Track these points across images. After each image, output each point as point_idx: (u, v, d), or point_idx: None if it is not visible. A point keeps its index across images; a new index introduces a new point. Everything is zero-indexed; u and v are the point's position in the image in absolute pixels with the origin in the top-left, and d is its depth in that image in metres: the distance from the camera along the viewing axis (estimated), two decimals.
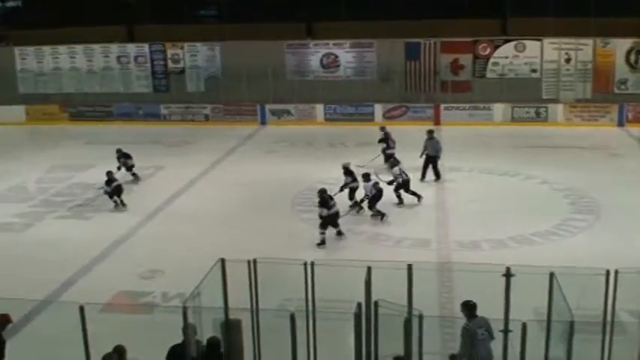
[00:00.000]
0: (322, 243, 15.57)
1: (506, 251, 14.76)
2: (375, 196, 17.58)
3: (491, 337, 8.74)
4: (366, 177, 17.86)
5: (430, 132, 21.84)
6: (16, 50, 34.88)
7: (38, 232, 17.25)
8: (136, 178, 21.77)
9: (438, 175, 20.96)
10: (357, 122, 30.81)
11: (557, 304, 7.92)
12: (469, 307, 9.03)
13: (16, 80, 34.66)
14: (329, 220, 15.75)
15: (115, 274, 14.17)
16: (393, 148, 22.42)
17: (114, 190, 18.96)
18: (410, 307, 7.88)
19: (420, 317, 7.74)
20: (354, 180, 18.18)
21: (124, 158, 21.75)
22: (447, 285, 13.11)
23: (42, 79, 34.62)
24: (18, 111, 33.31)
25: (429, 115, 30.40)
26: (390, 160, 20.63)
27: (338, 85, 31.94)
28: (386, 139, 22.85)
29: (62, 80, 34.44)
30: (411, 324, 7.81)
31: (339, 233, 16.19)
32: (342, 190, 18.10)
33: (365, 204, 17.79)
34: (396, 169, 19.02)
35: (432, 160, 20.98)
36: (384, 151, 22.51)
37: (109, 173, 19.33)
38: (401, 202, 18.69)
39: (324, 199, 15.75)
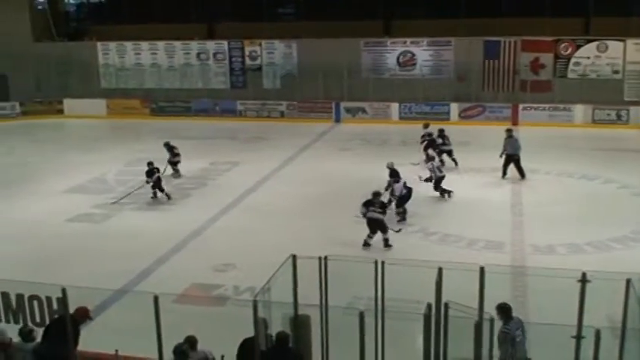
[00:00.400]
0: (365, 244, 15.14)
1: (582, 256, 14.37)
2: (405, 196, 17.41)
3: (525, 337, 8.69)
4: (396, 174, 17.94)
5: (509, 131, 21.83)
6: (99, 45, 35.90)
7: (116, 224, 17.70)
8: (176, 173, 22.06)
9: (521, 173, 20.79)
10: (432, 121, 30.43)
11: (633, 311, 7.69)
12: (505, 310, 8.87)
13: (98, 75, 35.67)
14: (371, 222, 15.27)
15: (189, 266, 14.44)
16: (449, 145, 22.75)
17: (155, 181, 19.34)
18: (481, 311, 7.76)
19: (491, 321, 7.63)
20: (398, 180, 17.82)
21: (170, 151, 22.29)
22: (520, 289, 12.86)
23: (123, 74, 35.56)
24: (100, 105, 34.36)
25: (507, 115, 29.93)
26: (427, 154, 21.00)
27: (414, 84, 31.74)
28: (440, 136, 22.98)
29: (143, 76, 35.28)
30: (481, 328, 7.70)
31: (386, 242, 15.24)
32: (387, 190, 17.87)
33: (393, 204, 17.45)
34: (429, 165, 19.41)
35: (511, 158, 20.85)
36: (438, 146, 22.49)
37: (150, 164, 19.72)
38: (443, 196, 18.92)
39: (368, 201, 15.43)
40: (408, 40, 32.61)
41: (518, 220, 17.29)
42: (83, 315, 9.11)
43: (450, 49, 31.94)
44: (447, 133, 23.10)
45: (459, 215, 17.38)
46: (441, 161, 21.35)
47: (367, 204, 15.32)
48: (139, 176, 21.28)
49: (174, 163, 22.11)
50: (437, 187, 18.90)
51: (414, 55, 32.47)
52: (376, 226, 15.24)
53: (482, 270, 7.87)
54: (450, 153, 22.72)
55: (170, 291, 11.31)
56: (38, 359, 9.05)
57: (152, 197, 19.37)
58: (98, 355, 9.29)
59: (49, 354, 8.98)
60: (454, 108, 30.91)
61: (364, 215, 15.28)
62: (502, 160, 20.89)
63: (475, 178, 21.32)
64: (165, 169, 21.05)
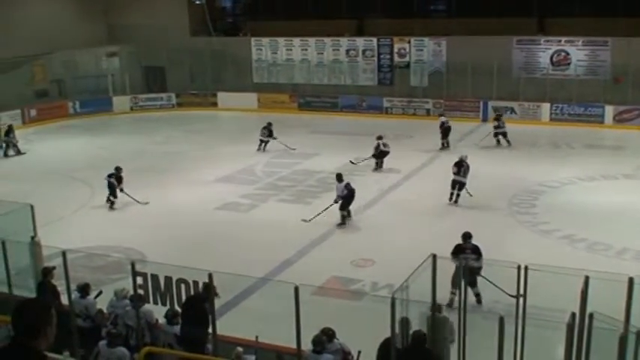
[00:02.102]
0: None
1: None
2: (347, 196, 17.17)
3: None
4: (339, 177, 17.73)
5: None
6: (253, 41, 37.01)
7: (262, 214, 18.26)
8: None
9: None
10: (585, 123, 29.38)
11: None
12: None
13: (251, 69, 36.80)
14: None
15: (329, 259, 14.69)
16: (503, 127, 25.85)
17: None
18: (627, 323, 7.44)
19: (638, 334, 7.29)
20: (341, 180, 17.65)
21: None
22: None
23: (275, 69, 36.48)
24: (251, 98, 35.43)
25: None
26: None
27: (567, 84, 30.56)
28: (496, 119, 26.38)
29: (293, 71, 36.06)
30: (626, 341, 7.37)
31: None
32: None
33: (338, 205, 17.26)
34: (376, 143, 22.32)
35: None
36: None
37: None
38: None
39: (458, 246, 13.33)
40: (563, 38, 31.45)
41: None
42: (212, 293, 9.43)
43: (606, 49, 30.50)
44: (503, 117, 26.28)
45: (609, 223, 16.62)
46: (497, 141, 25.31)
47: (457, 250, 12.47)
48: (285, 168, 21.83)
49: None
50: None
51: (568, 54, 31.27)
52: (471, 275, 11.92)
53: (631, 281, 7.55)
54: (504, 135, 25.51)
55: (310, 282, 11.54)
56: (180, 341, 9.51)
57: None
58: (239, 339, 9.62)
59: (189, 337, 9.43)
60: (609, 110, 29.54)
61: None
62: None
63: (627, 184, 20.35)
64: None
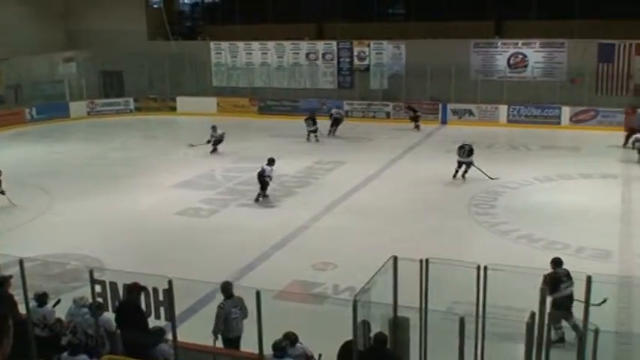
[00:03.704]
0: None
1: None
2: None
3: (242, 316, 9.68)
4: (271, 161, 19.41)
5: (634, 107, 25.95)
6: (212, 44, 36.84)
7: (222, 219, 18.12)
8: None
9: None
10: (542, 125, 29.81)
11: None
12: (226, 288, 9.83)
13: (210, 73, 36.62)
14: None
15: (290, 263, 14.61)
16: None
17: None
18: (586, 321, 7.53)
19: (596, 332, 7.38)
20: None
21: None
22: (626, 300, 12.38)
23: (234, 73, 36.36)
24: (210, 102, 35.29)
25: (620, 120, 28.76)
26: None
27: (524, 86, 31.00)
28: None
29: (253, 75, 35.97)
30: (585, 339, 7.46)
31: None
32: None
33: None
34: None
35: (637, 130, 24.19)
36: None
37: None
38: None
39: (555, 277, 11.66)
40: (520, 41, 31.89)
41: (628, 228, 16.60)
42: (133, 289, 9.33)
43: (563, 51, 31.01)
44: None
45: (567, 222, 16.83)
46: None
47: (554, 281, 10.53)
48: (245, 173, 21.75)
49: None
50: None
51: (525, 56, 31.71)
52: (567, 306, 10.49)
53: (588, 279, 7.63)
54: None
55: (271, 287, 11.50)
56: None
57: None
58: (198, 346, 9.53)
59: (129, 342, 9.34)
60: (565, 112, 30.02)
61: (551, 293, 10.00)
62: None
63: (584, 184, 20.68)
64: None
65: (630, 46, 29.53)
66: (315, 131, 27.96)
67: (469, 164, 21.11)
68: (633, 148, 23.46)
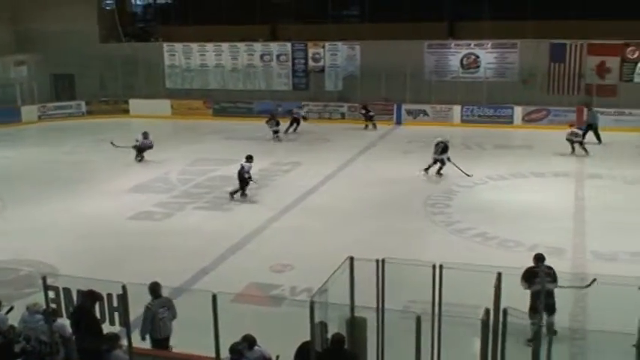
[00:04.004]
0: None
1: None
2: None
3: (170, 316, 9.77)
4: (249, 158, 19.63)
5: (588, 105, 27.68)
6: (165, 46, 36.52)
7: (177, 222, 17.94)
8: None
9: (599, 139, 25.87)
10: (495, 125, 30.20)
11: None
12: (153, 289, 9.72)
13: (163, 75, 36.28)
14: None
15: (247, 265, 14.54)
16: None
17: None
18: (540, 317, 7.64)
19: (550, 327, 7.48)
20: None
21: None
22: (581, 296, 12.59)
23: (188, 75, 36.09)
24: (164, 105, 34.98)
25: (571, 119, 29.28)
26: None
27: (477, 87, 31.39)
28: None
29: (207, 77, 35.75)
30: (540, 334, 7.56)
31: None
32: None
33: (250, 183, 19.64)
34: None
35: (591, 127, 25.96)
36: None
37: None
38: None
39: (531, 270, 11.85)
40: (473, 42, 32.28)
41: (581, 226, 16.90)
42: (91, 298, 9.24)
43: (515, 51, 31.48)
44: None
45: (520, 220, 17.07)
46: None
47: (530, 275, 10.88)
48: (200, 175, 21.61)
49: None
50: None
51: (478, 57, 32.11)
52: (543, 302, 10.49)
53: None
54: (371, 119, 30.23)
55: (228, 290, 11.40)
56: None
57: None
58: (153, 351, 9.44)
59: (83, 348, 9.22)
60: (518, 111, 30.48)
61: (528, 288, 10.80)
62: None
63: (537, 182, 21.01)
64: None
65: (581, 46, 30.10)
66: (278, 132, 28.18)
67: (443, 161, 21.47)
68: (568, 139, 24.20)
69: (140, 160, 24.51)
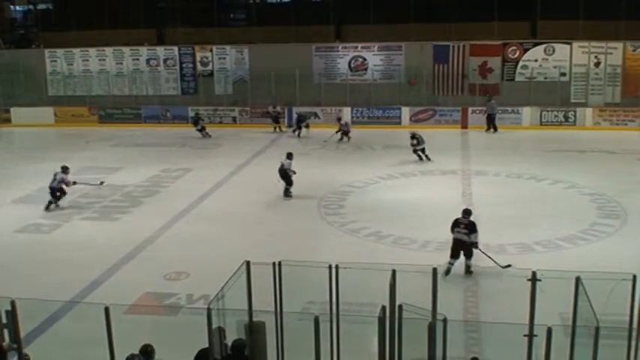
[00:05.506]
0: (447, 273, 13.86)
1: (532, 256, 14.58)
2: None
3: None
4: (289, 156, 20.18)
5: (489, 97, 29.85)
6: (47, 52, 35.30)
7: (66, 234, 17.35)
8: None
9: (495, 128, 29.04)
10: (384, 125, 30.80)
11: (583, 309, 7.81)
12: None
13: (45, 82, 35.06)
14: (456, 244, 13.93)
15: (140, 275, 14.21)
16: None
17: None
18: (434, 312, 7.82)
19: (445, 321, 7.68)
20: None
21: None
22: (472, 289, 13.01)
23: (72, 81, 35.00)
24: (47, 112, 33.79)
25: (457, 118, 30.35)
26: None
27: (365, 89, 31.93)
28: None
29: (91, 82, 34.78)
30: (435, 328, 7.75)
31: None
32: None
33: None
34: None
35: (491, 117, 29.17)
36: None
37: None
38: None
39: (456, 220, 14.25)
40: (360, 45, 32.80)
41: None
42: None
43: (400, 53, 32.21)
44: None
45: (411, 218, 17.47)
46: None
47: (454, 224, 13.77)
48: (86, 185, 20.95)
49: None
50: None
51: (365, 60, 32.65)
52: (461, 248, 13.65)
53: (434, 271, 7.93)
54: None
55: (122, 301, 11.15)
56: None
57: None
58: None
59: None
60: (405, 112, 31.19)
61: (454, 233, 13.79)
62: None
63: (425, 180, 21.57)
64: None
65: (464, 47, 31.12)
66: (202, 129, 29.37)
67: (423, 149, 23.68)
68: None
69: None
